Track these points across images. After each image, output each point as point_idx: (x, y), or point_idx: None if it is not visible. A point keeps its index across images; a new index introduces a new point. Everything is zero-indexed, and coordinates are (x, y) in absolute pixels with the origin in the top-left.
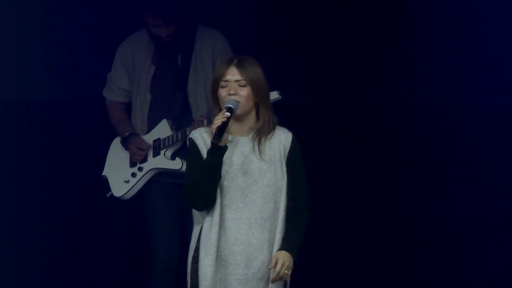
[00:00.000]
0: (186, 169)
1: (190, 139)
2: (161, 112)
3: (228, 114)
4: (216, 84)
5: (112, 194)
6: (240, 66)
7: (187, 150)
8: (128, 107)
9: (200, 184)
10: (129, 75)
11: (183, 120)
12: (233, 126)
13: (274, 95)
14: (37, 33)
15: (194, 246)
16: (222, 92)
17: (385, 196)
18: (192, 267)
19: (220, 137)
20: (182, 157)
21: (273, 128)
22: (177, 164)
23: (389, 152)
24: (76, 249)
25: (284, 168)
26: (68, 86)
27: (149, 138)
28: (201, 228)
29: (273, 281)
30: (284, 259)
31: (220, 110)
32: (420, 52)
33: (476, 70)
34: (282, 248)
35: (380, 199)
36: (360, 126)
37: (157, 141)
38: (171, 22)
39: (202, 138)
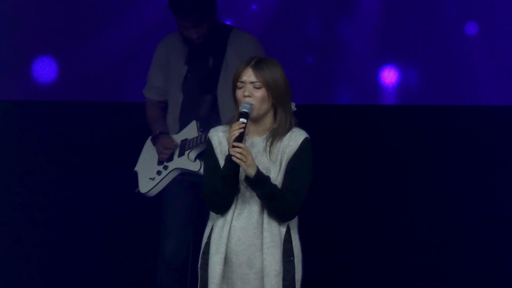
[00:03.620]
0: (204, 171)
1: (208, 138)
2: (192, 113)
3: (244, 121)
4: (233, 85)
5: (138, 190)
6: (256, 68)
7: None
8: (166, 106)
9: (218, 189)
10: (165, 75)
11: (211, 122)
12: (250, 126)
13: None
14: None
15: (205, 242)
16: (238, 93)
17: (387, 197)
18: (201, 263)
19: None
20: (202, 159)
21: (289, 130)
22: (196, 166)
23: (391, 153)
24: (78, 249)
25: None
26: (70, 86)
27: (178, 138)
28: (213, 225)
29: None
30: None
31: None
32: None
33: (478, 70)
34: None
35: (381, 199)
36: (360, 127)
37: (184, 142)
38: (200, 24)
39: (218, 137)
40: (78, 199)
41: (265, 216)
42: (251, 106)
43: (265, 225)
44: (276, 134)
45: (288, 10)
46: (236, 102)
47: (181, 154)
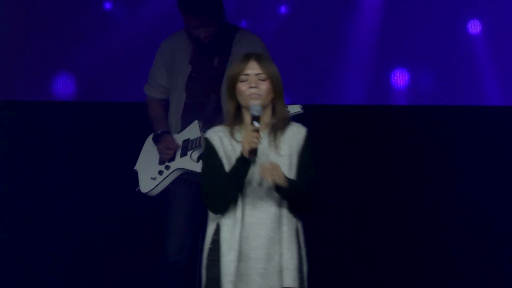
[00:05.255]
0: (202, 169)
1: (206, 139)
2: (195, 113)
3: (258, 125)
4: (233, 80)
5: (139, 189)
6: (259, 61)
7: (203, 150)
8: (167, 104)
9: (226, 189)
10: (168, 73)
11: (214, 123)
12: (246, 121)
13: (296, 109)
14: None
15: (210, 240)
16: (242, 87)
17: (388, 198)
18: (209, 260)
19: (255, 155)
20: None
21: (288, 124)
22: (199, 167)
23: (391, 153)
24: (80, 248)
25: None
26: (72, 86)
27: (180, 137)
28: (218, 225)
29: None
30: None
31: (236, 107)
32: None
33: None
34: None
35: (382, 200)
36: (361, 127)
37: (186, 142)
38: (210, 23)
39: (219, 137)
40: (79, 199)
41: (284, 210)
42: (260, 108)
43: (284, 220)
44: (277, 129)
45: (297, 11)
46: (231, 99)
47: (183, 154)
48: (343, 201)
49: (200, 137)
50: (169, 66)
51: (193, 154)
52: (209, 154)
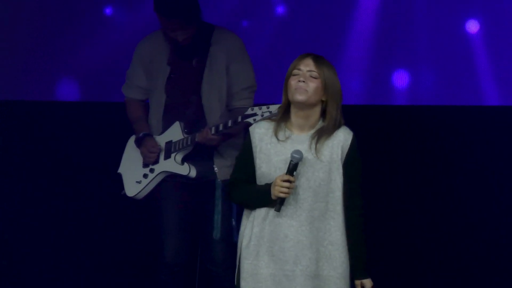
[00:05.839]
0: (236, 159)
1: (249, 131)
2: (176, 114)
3: (292, 178)
4: (288, 75)
5: (125, 193)
6: (315, 60)
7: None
8: (147, 105)
9: (240, 197)
10: (146, 74)
11: (196, 123)
12: (296, 120)
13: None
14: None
15: (244, 235)
16: (292, 80)
17: (388, 198)
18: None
19: (282, 204)
20: (190, 162)
21: (337, 129)
22: (185, 170)
23: (391, 153)
24: (77, 251)
25: (341, 170)
26: (70, 86)
27: (162, 140)
28: (252, 220)
29: None
30: (366, 285)
31: (287, 103)
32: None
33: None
34: (358, 276)
35: (382, 200)
36: (361, 127)
37: (169, 144)
38: (187, 26)
39: (259, 134)
40: (79, 199)
41: (313, 214)
42: (301, 157)
43: (312, 223)
44: (323, 132)
45: (297, 11)
46: (284, 95)
47: (167, 156)
48: None
49: (184, 139)
50: (147, 68)
51: (177, 157)
52: (244, 149)
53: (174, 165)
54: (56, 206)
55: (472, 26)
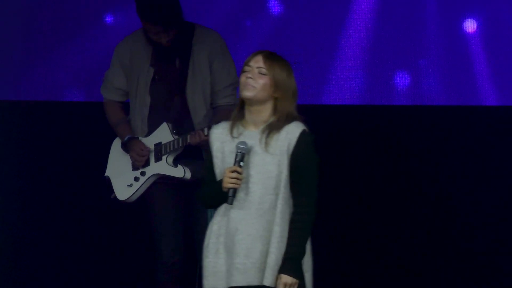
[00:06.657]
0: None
1: (208, 135)
2: (161, 115)
3: (239, 168)
4: (240, 73)
5: (115, 197)
6: (266, 56)
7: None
8: (126, 107)
9: (204, 197)
10: (126, 76)
11: (183, 124)
12: (249, 117)
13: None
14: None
15: (206, 234)
16: (242, 77)
17: (389, 198)
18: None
19: (233, 196)
20: (184, 164)
21: (288, 124)
22: (180, 172)
23: (391, 153)
24: (77, 251)
25: (286, 162)
26: (68, 86)
27: (150, 141)
28: (213, 219)
29: None
30: (285, 281)
31: (242, 100)
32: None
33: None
34: (281, 270)
35: (382, 200)
36: (361, 127)
37: (159, 146)
38: (171, 28)
39: (217, 135)
40: (79, 199)
41: (263, 207)
42: (246, 147)
43: (262, 216)
44: (273, 127)
45: (297, 11)
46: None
47: (158, 159)
48: (344, 202)
49: (174, 141)
50: (127, 69)
51: (168, 158)
52: (207, 151)
53: (167, 167)
54: (56, 206)
55: (470, 26)
